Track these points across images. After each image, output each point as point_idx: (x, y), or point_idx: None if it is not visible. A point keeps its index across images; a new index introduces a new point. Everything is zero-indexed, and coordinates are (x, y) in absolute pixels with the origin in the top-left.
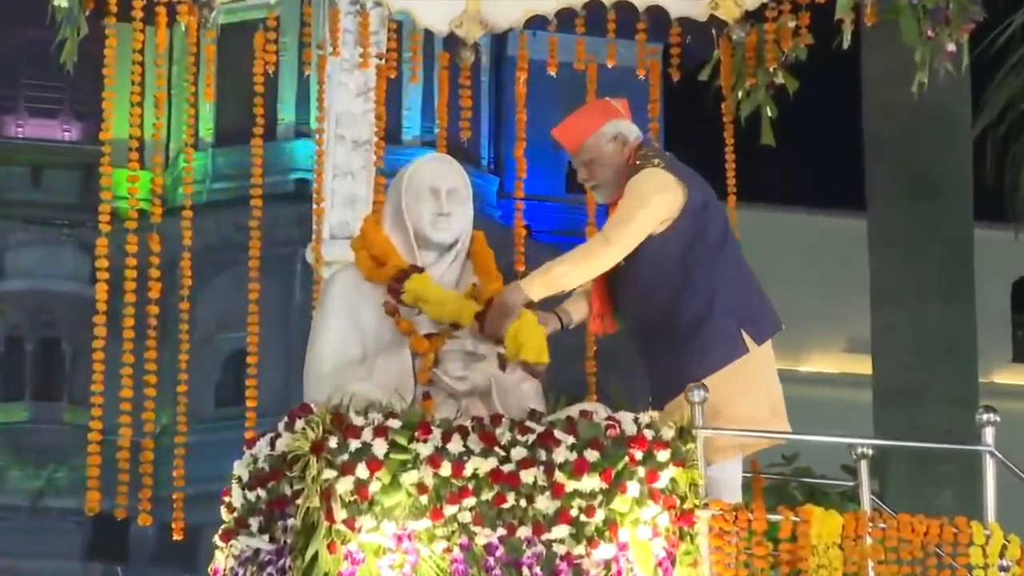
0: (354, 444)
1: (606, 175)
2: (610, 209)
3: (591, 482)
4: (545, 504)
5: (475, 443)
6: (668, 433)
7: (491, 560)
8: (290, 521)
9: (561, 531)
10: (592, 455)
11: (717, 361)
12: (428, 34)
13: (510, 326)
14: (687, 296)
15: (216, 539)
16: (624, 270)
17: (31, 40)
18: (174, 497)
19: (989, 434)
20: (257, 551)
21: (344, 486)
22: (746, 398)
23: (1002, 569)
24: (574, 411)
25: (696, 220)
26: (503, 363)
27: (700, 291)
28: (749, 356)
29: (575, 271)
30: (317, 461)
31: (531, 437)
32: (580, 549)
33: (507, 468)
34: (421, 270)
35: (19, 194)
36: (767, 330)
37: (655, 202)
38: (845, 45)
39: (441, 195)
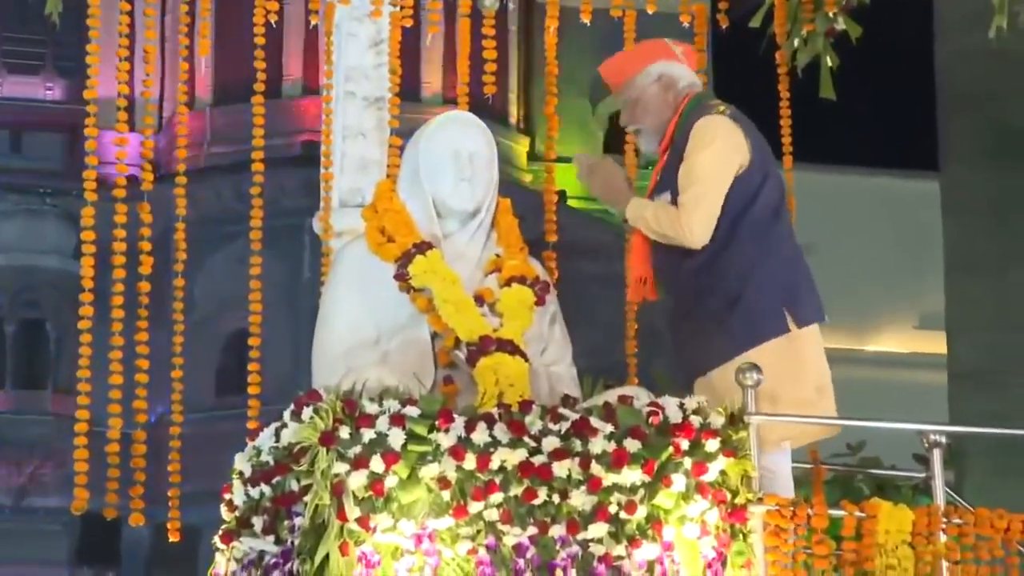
0: (368, 434)
1: (647, 120)
2: (660, 154)
3: (632, 475)
4: (581, 500)
5: (502, 432)
6: (717, 420)
7: (521, 562)
8: (298, 520)
9: (599, 530)
10: (633, 445)
11: (756, 336)
12: None
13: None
14: (726, 264)
15: (216, 541)
16: None
17: None
18: (170, 495)
19: None
20: (262, 553)
21: (357, 481)
22: (790, 378)
23: None
24: (612, 396)
25: (752, 185)
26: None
27: (741, 260)
28: (790, 336)
29: (651, 232)
30: (327, 453)
31: (565, 425)
32: (620, 549)
33: (538, 460)
34: (430, 246)
35: None
36: (810, 316)
37: (724, 157)
38: None
39: (463, 158)
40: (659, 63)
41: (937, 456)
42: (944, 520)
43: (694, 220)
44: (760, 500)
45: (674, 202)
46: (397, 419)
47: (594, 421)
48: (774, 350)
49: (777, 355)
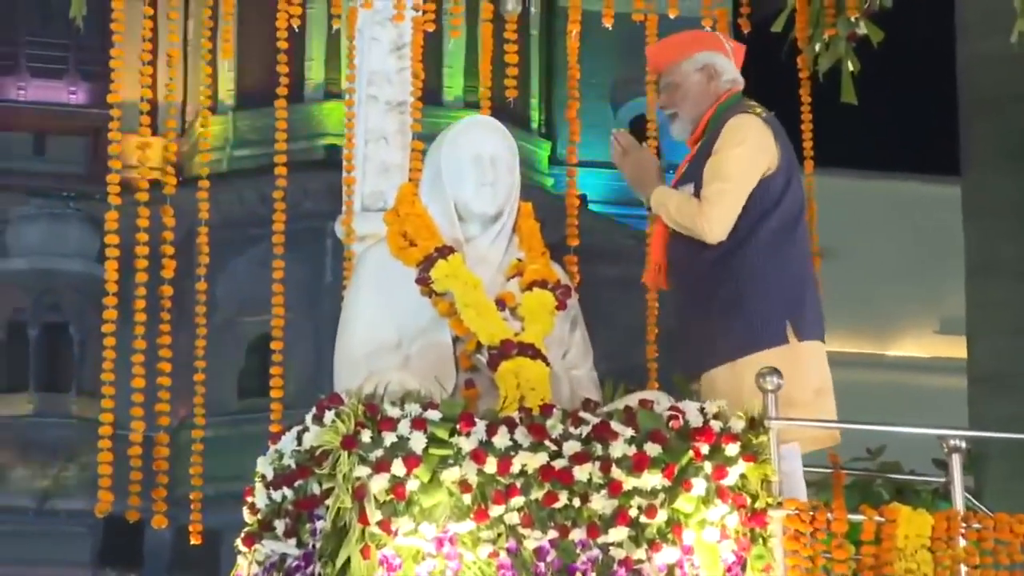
0: (389, 438)
1: (684, 107)
2: (690, 145)
3: (652, 479)
4: (601, 504)
5: (523, 436)
6: (738, 425)
7: (541, 565)
8: (319, 523)
9: (619, 533)
10: (653, 449)
11: (757, 343)
12: None
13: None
14: (739, 263)
15: (238, 543)
16: None
17: None
18: (192, 497)
19: None
20: (283, 556)
21: (378, 484)
22: (790, 381)
23: None
24: (633, 400)
25: (775, 189)
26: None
27: (755, 263)
28: (789, 347)
29: (671, 222)
30: (349, 457)
31: (585, 429)
32: (640, 553)
33: (559, 464)
34: (452, 250)
35: (21, 163)
36: (811, 332)
37: (752, 157)
38: None
39: (484, 162)
40: (707, 52)
41: (957, 461)
42: (963, 525)
43: (713, 216)
44: (780, 504)
45: (697, 194)
46: (418, 423)
47: (615, 425)
48: (776, 354)
49: (779, 358)
